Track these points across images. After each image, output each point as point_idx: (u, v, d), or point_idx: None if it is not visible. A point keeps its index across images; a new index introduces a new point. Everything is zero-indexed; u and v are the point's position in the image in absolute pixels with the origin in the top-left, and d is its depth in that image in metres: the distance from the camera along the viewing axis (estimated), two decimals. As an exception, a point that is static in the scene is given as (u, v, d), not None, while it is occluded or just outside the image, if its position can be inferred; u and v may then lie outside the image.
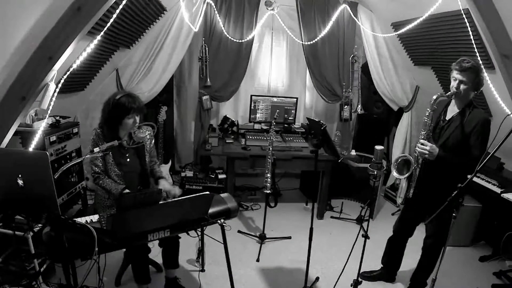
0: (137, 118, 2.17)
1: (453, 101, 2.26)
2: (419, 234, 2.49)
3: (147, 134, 2.32)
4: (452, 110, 2.26)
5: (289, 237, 3.32)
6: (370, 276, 2.74)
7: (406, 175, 2.25)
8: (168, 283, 2.44)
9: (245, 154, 3.46)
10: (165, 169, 3.62)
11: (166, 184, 2.28)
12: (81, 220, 1.84)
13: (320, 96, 4.16)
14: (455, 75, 2.12)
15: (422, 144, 2.18)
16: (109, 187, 2.13)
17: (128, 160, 2.25)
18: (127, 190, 2.18)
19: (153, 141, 2.39)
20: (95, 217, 1.92)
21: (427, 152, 2.15)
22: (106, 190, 2.15)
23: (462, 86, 2.10)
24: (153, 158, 2.40)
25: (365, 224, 2.39)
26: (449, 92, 2.17)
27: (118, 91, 2.74)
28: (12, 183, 1.50)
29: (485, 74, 2.52)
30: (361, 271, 2.32)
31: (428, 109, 2.22)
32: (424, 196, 2.31)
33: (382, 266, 2.76)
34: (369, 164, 2.14)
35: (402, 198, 2.41)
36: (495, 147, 1.71)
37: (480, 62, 2.46)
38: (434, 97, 2.20)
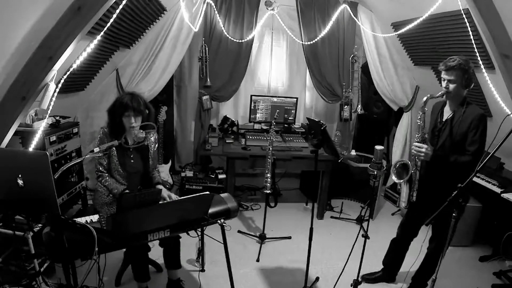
0: (136, 119, 2.16)
1: (448, 102, 2.27)
2: (421, 235, 2.48)
3: (152, 138, 2.35)
4: (448, 110, 2.27)
5: (289, 237, 3.32)
6: (371, 278, 2.73)
7: (406, 178, 2.26)
8: (170, 284, 2.42)
9: (245, 154, 3.46)
10: (165, 169, 3.62)
11: (163, 190, 2.26)
12: (81, 220, 1.84)
13: (320, 96, 4.16)
14: (443, 75, 2.14)
15: (417, 146, 2.22)
16: (110, 187, 2.17)
17: (132, 161, 2.28)
18: (127, 191, 2.19)
19: (157, 145, 2.42)
20: (95, 217, 1.93)
21: (422, 153, 2.19)
22: (108, 189, 2.19)
23: (451, 85, 2.11)
24: (154, 161, 2.42)
25: (365, 224, 2.39)
26: (440, 93, 2.18)
27: (128, 91, 2.76)
28: (12, 183, 1.50)
29: (485, 74, 2.53)
30: (361, 271, 2.32)
31: (419, 111, 2.24)
32: (427, 198, 2.31)
33: (383, 267, 2.75)
34: (369, 164, 2.15)
35: (406, 203, 2.41)
36: (495, 147, 1.71)
37: (481, 62, 2.46)
38: (424, 98, 2.21)
